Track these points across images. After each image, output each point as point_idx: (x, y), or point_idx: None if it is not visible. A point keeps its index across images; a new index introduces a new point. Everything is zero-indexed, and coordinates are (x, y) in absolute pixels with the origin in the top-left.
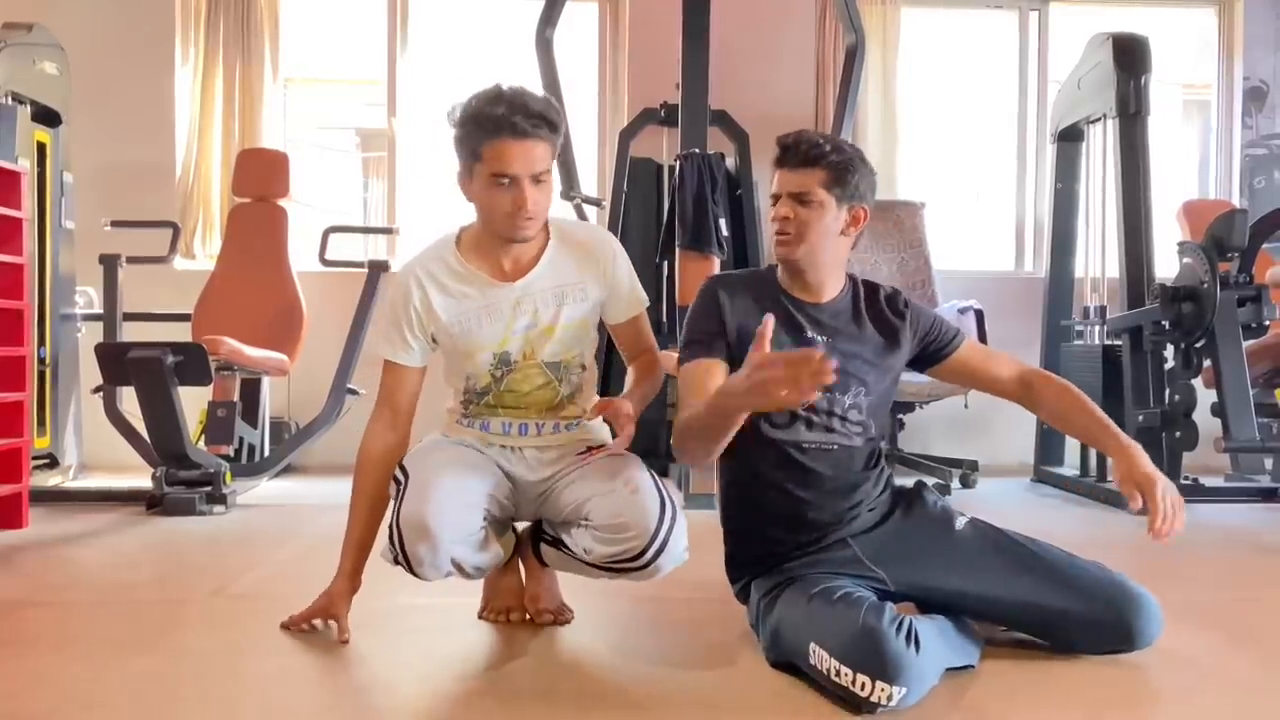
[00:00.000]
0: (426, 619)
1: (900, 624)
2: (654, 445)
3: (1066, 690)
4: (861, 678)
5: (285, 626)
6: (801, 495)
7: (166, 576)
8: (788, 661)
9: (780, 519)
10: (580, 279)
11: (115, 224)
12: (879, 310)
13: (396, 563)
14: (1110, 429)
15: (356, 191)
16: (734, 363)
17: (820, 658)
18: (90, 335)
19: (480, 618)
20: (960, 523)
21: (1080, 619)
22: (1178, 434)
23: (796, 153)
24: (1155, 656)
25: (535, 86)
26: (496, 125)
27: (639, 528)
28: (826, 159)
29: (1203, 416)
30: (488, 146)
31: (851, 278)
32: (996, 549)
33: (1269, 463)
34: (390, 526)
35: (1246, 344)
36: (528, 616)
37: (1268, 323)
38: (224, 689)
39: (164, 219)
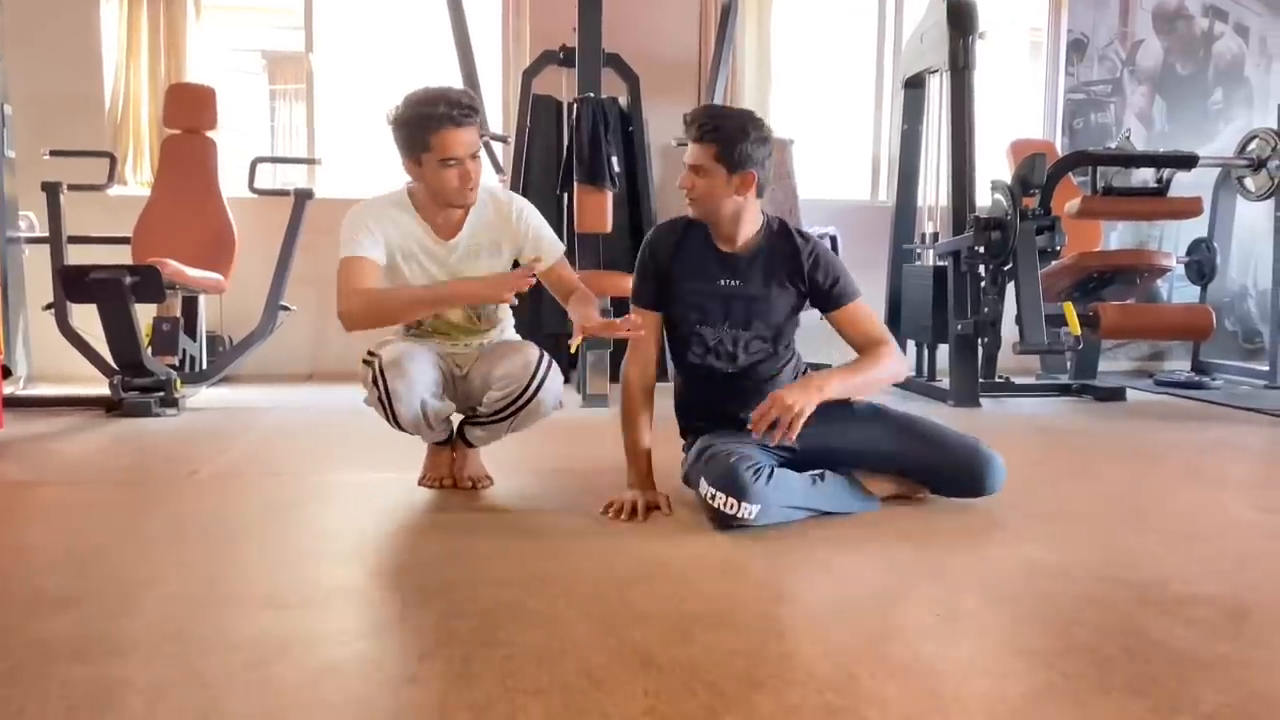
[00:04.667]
0: (380, 488)
1: (757, 468)
2: (554, 356)
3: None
4: (730, 500)
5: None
6: (723, 395)
7: (145, 463)
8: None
9: (711, 405)
10: (494, 237)
11: (54, 153)
12: (784, 257)
13: (379, 402)
14: (845, 366)
15: (264, 116)
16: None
17: (705, 489)
18: (34, 257)
19: (420, 484)
20: (857, 401)
21: (943, 468)
22: (985, 339)
23: (691, 126)
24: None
25: (446, 30)
26: (440, 120)
27: (523, 373)
28: (710, 136)
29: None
30: (435, 137)
31: (768, 224)
32: (883, 418)
33: (1069, 363)
34: (375, 373)
35: (1051, 265)
36: (457, 483)
37: (1059, 248)
38: (218, 543)
39: (95, 149)
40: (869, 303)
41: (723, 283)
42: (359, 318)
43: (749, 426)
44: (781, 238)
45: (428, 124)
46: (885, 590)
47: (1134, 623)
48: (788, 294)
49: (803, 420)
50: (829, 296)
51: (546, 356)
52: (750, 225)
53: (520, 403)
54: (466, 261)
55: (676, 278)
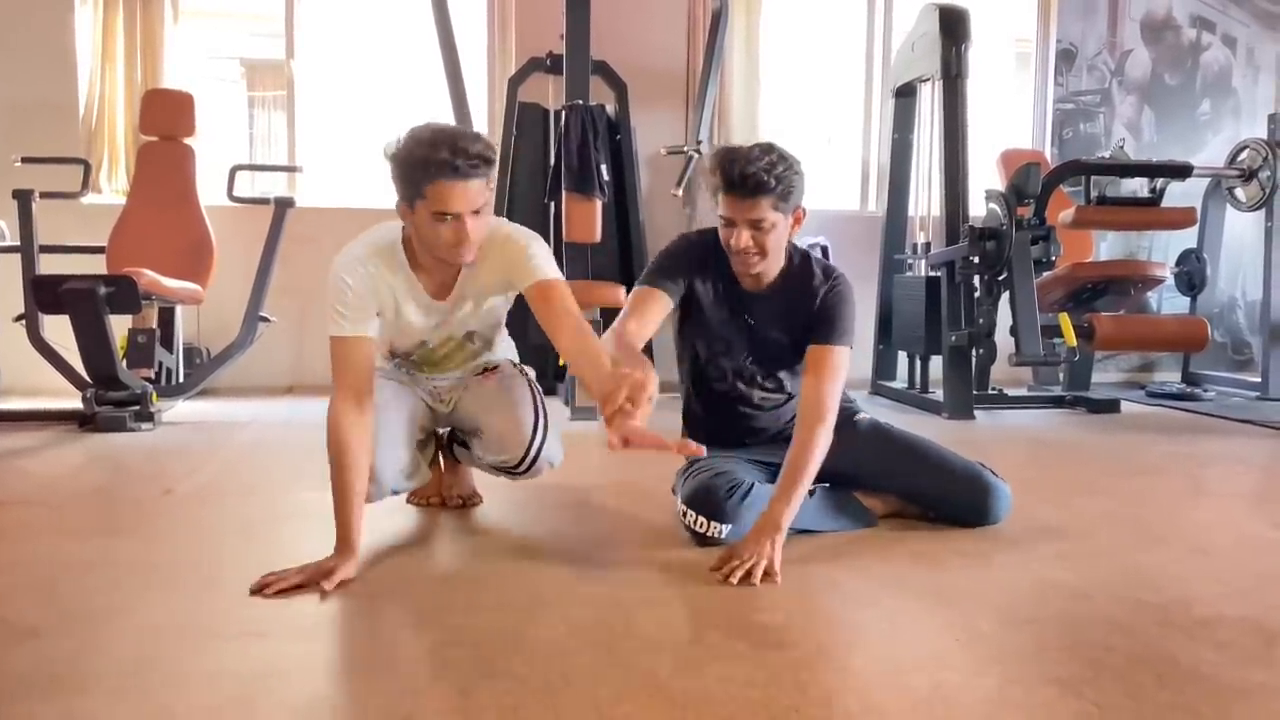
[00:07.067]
0: (365, 507)
1: (732, 486)
2: (542, 368)
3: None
4: (700, 518)
5: (267, 591)
6: (730, 419)
7: (119, 481)
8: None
9: (719, 428)
10: (497, 283)
11: (26, 160)
12: (805, 296)
13: None
14: (783, 482)
15: (242, 123)
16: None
17: (679, 506)
18: (4, 266)
19: (408, 503)
20: (861, 417)
21: (946, 496)
22: (981, 350)
23: (745, 185)
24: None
25: (430, 36)
26: (439, 168)
27: (517, 443)
28: (770, 188)
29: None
30: (430, 187)
31: (790, 257)
32: (886, 439)
33: (1062, 375)
34: None
35: (1044, 275)
36: (445, 501)
37: (1054, 258)
38: (194, 567)
39: (69, 155)
40: (857, 344)
41: (744, 318)
42: (335, 444)
43: (721, 576)
44: (801, 276)
45: (425, 169)
46: (899, 613)
47: (1161, 647)
48: (798, 339)
49: (776, 568)
50: (815, 326)
51: (542, 417)
52: (779, 266)
53: (516, 471)
54: (469, 309)
55: (698, 296)
